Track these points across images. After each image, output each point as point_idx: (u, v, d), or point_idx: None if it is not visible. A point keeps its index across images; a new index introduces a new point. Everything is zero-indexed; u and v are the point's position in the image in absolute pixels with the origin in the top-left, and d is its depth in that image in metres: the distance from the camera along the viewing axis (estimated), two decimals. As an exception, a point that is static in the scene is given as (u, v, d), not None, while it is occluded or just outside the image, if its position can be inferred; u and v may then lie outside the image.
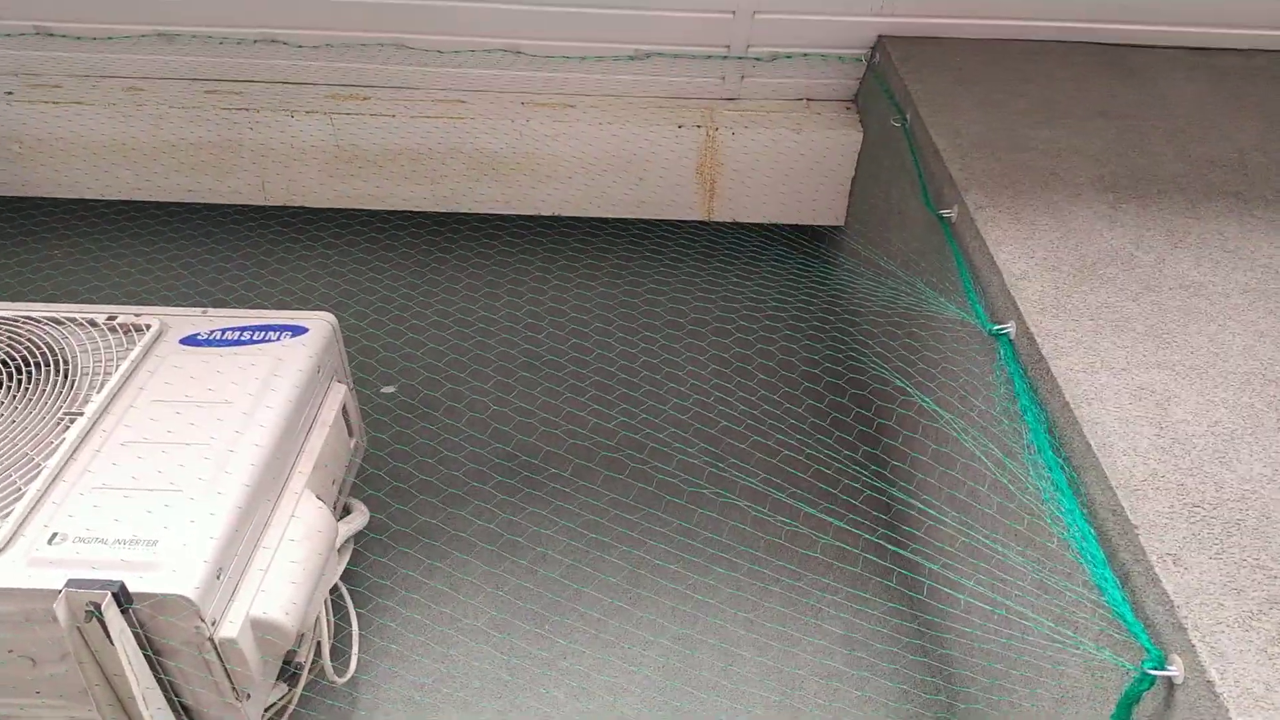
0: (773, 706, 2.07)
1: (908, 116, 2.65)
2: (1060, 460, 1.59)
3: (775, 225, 3.31)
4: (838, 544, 2.28)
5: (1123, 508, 1.43)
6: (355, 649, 2.00)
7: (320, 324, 2.08)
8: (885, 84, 2.87)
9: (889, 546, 2.26)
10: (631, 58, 3.11)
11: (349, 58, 3.10)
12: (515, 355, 3.00)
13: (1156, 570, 1.33)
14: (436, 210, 3.29)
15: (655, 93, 3.22)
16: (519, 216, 3.38)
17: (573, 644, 2.17)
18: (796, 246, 3.23)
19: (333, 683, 1.93)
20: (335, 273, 3.27)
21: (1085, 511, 1.51)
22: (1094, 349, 1.74)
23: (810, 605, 2.28)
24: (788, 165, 3.13)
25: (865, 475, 2.44)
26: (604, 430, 2.73)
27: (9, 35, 3.07)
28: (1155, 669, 1.26)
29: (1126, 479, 1.47)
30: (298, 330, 2.06)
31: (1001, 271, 1.95)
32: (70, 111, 3.06)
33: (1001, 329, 1.87)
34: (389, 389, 2.86)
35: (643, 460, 2.60)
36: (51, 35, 3.05)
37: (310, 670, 1.89)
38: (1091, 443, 1.54)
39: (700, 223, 3.31)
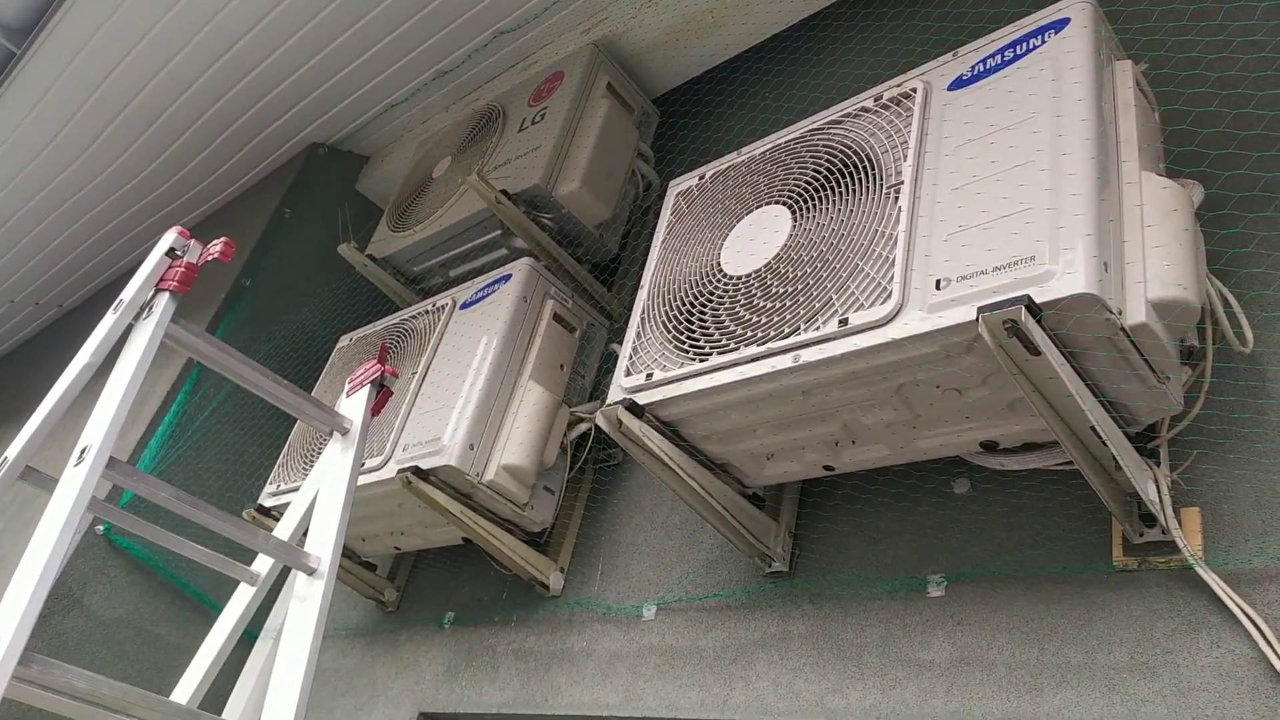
0: None
1: None
2: None
3: None
4: None
5: None
6: (1243, 318, 1.85)
7: (1080, 6, 1.91)
8: None
9: None
10: None
11: None
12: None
13: None
14: None
15: None
16: None
17: None
18: None
19: (1241, 352, 1.82)
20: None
21: None
22: None
23: None
24: None
25: None
26: None
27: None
28: None
29: None
30: (1059, 25, 1.92)
31: None
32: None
33: None
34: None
35: None
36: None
37: (1213, 343, 1.81)
38: None
39: None
